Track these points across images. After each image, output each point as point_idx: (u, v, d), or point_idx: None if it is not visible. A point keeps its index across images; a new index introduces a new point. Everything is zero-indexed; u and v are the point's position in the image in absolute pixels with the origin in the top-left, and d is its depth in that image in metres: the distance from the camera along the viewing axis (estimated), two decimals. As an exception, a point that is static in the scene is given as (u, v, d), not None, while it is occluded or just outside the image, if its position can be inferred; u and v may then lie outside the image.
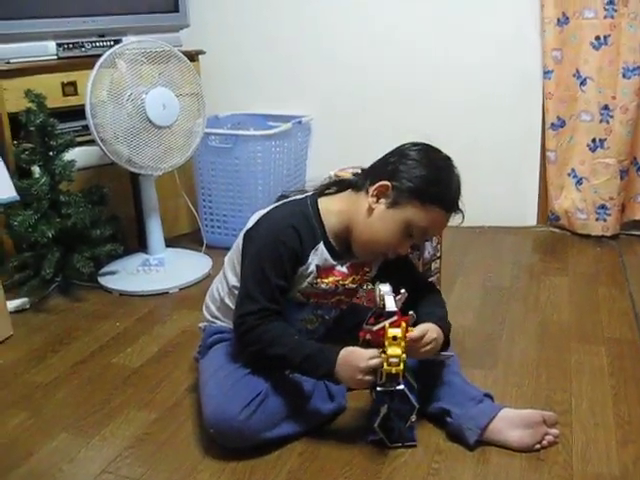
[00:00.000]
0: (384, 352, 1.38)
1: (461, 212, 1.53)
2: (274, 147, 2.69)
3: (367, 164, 2.05)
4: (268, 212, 1.54)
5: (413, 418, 1.44)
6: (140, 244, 2.63)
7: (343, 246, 1.55)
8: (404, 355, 1.38)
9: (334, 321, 1.67)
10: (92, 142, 2.26)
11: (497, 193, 2.87)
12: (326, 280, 1.54)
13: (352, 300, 1.68)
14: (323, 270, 1.53)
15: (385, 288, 1.46)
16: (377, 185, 1.48)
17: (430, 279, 1.98)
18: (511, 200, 2.88)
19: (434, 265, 1.99)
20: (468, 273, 2.45)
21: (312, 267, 1.51)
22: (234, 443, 1.44)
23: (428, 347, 1.44)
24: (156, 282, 2.38)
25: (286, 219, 1.50)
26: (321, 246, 1.51)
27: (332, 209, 1.54)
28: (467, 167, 2.78)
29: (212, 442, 1.47)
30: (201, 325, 1.72)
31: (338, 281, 1.56)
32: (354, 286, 1.60)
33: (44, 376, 1.82)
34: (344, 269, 1.56)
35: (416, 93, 2.86)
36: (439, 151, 1.54)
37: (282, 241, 1.47)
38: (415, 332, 1.42)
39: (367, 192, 1.50)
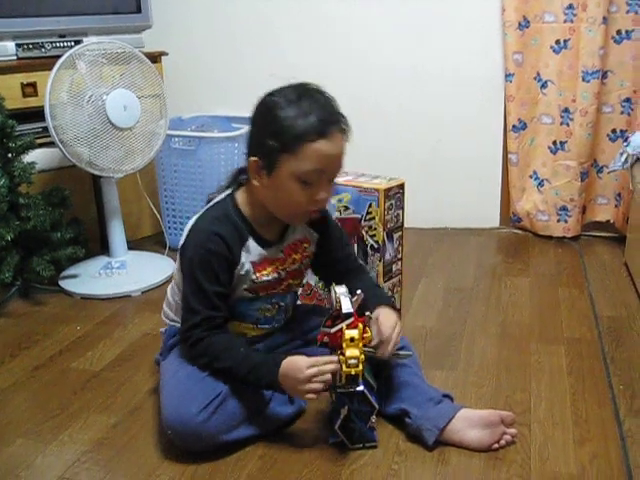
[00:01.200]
0: (342, 354, 1.38)
1: (344, 126, 1.46)
2: (237, 149, 2.68)
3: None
4: (194, 222, 1.54)
5: (373, 419, 1.45)
6: (102, 247, 2.61)
7: (275, 229, 1.57)
8: (362, 356, 1.38)
9: (291, 323, 1.67)
10: (52, 144, 2.24)
11: (460, 195, 2.89)
12: (265, 272, 1.55)
13: (302, 281, 1.68)
14: (259, 264, 1.54)
15: (341, 290, 1.46)
16: (249, 165, 1.48)
17: (391, 280, 1.99)
18: (474, 202, 2.91)
19: (395, 267, 2.00)
20: (431, 274, 2.46)
21: (247, 266, 1.52)
22: (192, 445, 1.44)
23: (398, 330, 1.48)
24: (118, 285, 2.36)
25: (209, 227, 1.50)
26: (250, 242, 1.52)
27: (245, 201, 1.54)
28: (431, 169, 2.84)
29: (172, 446, 1.46)
30: (162, 330, 1.71)
31: (277, 267, 1.57)
32: (297, 266, 1.61)
33: (2, 381, 1.79)
34: (281, 254, 1.58)
35: (377, 96, 2.87)
36: (283, 88, 1.47)
37: (208, 250, 1.47)
38: (388, 329, 1.45)
39: None
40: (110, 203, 2.44)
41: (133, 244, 2.63)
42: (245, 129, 2.68)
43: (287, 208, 1.49)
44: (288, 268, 1.59)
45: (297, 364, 1.40)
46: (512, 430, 1.47)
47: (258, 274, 1.54)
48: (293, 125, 1.39)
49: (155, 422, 1.58)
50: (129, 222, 2.62)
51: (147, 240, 2.83)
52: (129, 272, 2.44)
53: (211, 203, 1.57)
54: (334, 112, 1.45)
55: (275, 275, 1.57)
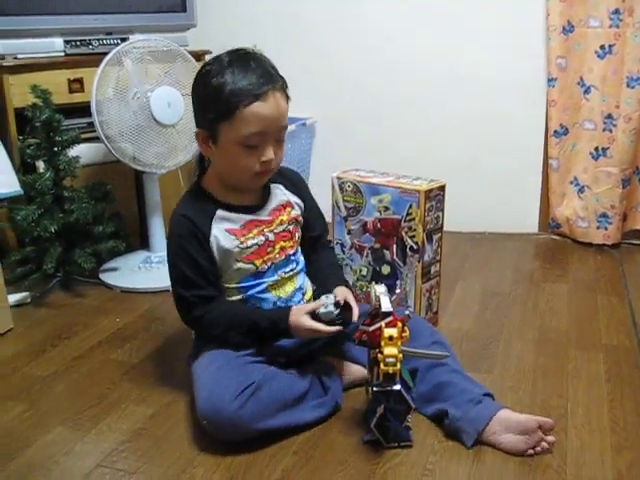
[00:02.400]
0: (381, 352, 1.38)
1: (279, 85, 1.48)
2: (278, 148, 2.69)
3: (370, 166, 2.09)
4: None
5: (409, 418, 1.45)
6: (142, 242, 2.64)
7: (253, 194, 1.62)
8: (401, 355, 1.38)
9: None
10: (97, 139, 2.27)
11: (499, 199, 2.87)
12: (251, 235, 1.59)
13: (294, 244, 1.68)
14: (242, 229, 1.58)
15: (381, 289, 1.46)
16: (196, 138, 1.55)
17: (430, 282, 1.99)
18: (513, 206, 2.88)
19: (434, 268, 1.99)
20: (468, 278, 2.45)
21: (222, 235, 1.55)
22: (227, 434, 1.44)
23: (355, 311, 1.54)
24: (157, 279, 2.38)
25: (176, 213, 1.58)
26: (219, 213, 1.56)
27: (210, 177, 1.62)
28: (470, 173, 2.83)
29: (208, 438, 1.47)
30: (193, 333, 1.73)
31: (263, 230, 1.60)
32: (285, 227, 1.64)
33: (43, 369, 1.82)
34: (266, 217, 1.62)
35: (419, 99, 2.87)
36: (218, 56, 1.51)
37: (179, 235, 1.55)
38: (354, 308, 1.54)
39: None
40: (151, 199, 2.47)
41: (172, 240, 2.64)
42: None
43: (238, 174, 1.54)
44: (275, 230, 1.62)
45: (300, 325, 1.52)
46: (550, 438, 1.44)
47: (243, 238, 1.57)
48: (226, 92, 1.44)
49: (191, 416, 1.58)
50: (169, 218, 2.63)
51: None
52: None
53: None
54: (266, 73, 1.47)
55: (261, 237, 1.60)
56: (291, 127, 2.77)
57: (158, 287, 2.33)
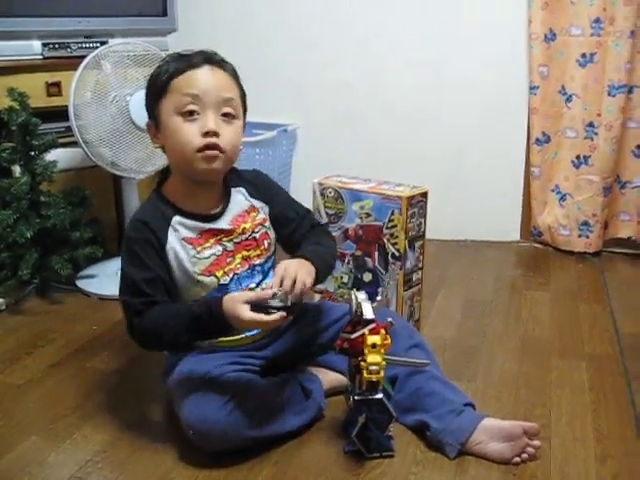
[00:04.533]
0: (364, 360, 1.36)
1: (218, 62, 1.48)
2: (258, 154, 2.68)
3: (352, 173, 2.07)
4: None
5: (391, 427, 1.43)
6: (120, 248, 2.59)
7: (211, 201, 1.55)
8: (384, 363, 1.36)
9: (293, 327, 1.62)
10: (75, 143, 2.24)
11: (480, 207, 2.87)
12: (207, 244, 1.52)
13: (263, 253, 1.59)
14: (198, 238, 1.51)
15: (362, 296, 1.44)
16: (147, 132, 1.54)
17: (411, 290, 1.97)
18: (494, 214, 2.88)
19: (415, 276, 1.97)
20: (450, 286, 2.43)
21: (178, 244, 1.49)
22: (215, 443, 1.41)
23: (298, 285, 1.38)
24: (135, 287, 2.34)
25: (133, 218, 1.52)
26: (177, 219, 1.50)
27: (168, 184, 1.56)
28: (451, 180, 2.82)
29: (186, 450, 1.45)
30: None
31: (222, 240, 1.53)
32: (248, 235, 1.57)
33: (17, 378, 1.78)
34: (225, 226, 1.54)
35: (401, 106, 2.85)
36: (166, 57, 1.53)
37: (131, 238, 1.48)
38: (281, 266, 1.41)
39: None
40: (130, 204, 2.43)
41: (151, 246, 2.61)
42: (266, 134, 2.72)
43: (182, 153, 1.45)
44: (235, 239, 1.54)
45: (238, 316, 1.35)
46: (536, 442, 1.43)
47: (199, 247, 1.50)
48: (164, 71, 1.46)
49: (169, 425, 1.56)
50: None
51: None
52: (147, 274, 2.42)
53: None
54: (205, 54, 1.47)
55: (219, 247, 1.52)
56: (272, 133, 2.76)
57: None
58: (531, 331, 2.07)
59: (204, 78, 1.44)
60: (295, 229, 1.64)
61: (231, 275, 1.54)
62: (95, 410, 1.64)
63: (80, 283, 2.38)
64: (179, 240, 1.49)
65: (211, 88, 1.44)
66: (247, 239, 1.57)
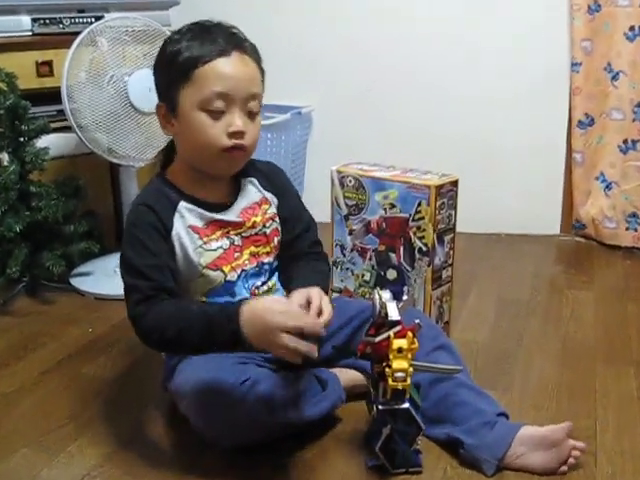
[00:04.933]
0: (388, 366, 1.36)
1: (246, 48, 1.47)
2: (270, 140, 2.68)
3: (374, 159, 2.07)
4: None
5: (419, 440, 1.42)
6: (118, 243, 2.61)
7: (221, 190, 1.56)
8: (411, 369, 1.35)
9: None
10: (68, 129, 2.26)
11: (517, 198, 2.86)
12: (214, 236, 1.52)
13: (272, 251, 1.60)
14: (205, 228, 1.52)
15: (386, 295, 1.43)
16: (157, 115, 1.52)
17: (440, 289, 1.96)
18: (532, 206, 2.87)
19: (445, 273, 1.97)
20: (483, 284, 2.43)
21: (184, 231, 1.49)
22: (228, 432, 1.42)
23: (325, 316, 1.34)
24: (135, 286, 2.35)
25: (136, 202, 1.53)
26: (183, 205, 1.50)
27: (174, 168, 1.57)
28: (484, 168, 2.81)
29: (191, 463, 1.45)
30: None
31: (229, 232, 1.54)
32: (258, 229, 1.57)
33: (6, 385, 1.79)
34: (234, 218, 1.55)
35: (428, 85, 2.85)
36: (181, 27, 1.50)
37: (133, 224, 1.48)
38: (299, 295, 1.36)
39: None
40: (128, 194, 2.44)
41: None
42: (279, 118, 2.73)
43: (203, 150, 1.46)
44: (244, 233, 1.55)
45: (273, 304, 1.33)
46: (580, 444, 1.43)
47: (206, 238, 1.51)
48: (185, 51, 1.43)
49: (171, 437, 1.56)
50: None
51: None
52: (147, 272, 2.43)
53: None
54: (230, 35, 1.46)
55: (226, 241, 1.53)
56: (285, 116, 2.76)
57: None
58: (573, 334, 2.06)
59: (234, 71, 1.43)
60: (296, 239, 1.64)
61: (239, 271, 1.55)
62: (91, 421, 1.64)
63: (74, 281, 2.40)
64: (185, 227, 1.50)
65: (240, 82, 1.44)
66: (257, 234, 1.58)
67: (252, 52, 1.48)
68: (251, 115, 1.47)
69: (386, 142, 2.86)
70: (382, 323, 1.39)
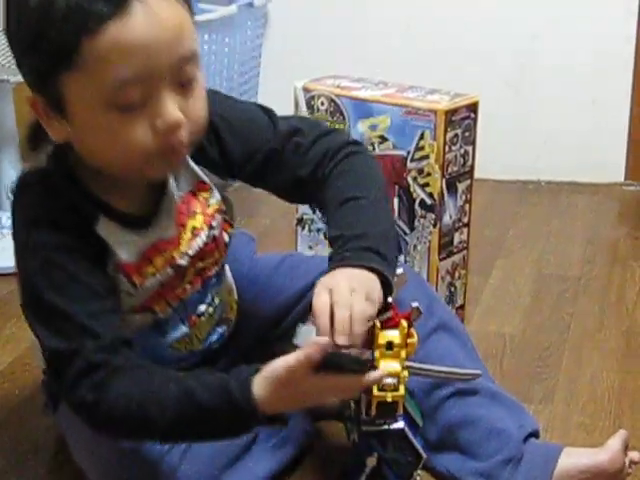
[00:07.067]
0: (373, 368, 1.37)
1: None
2: (207, 44, 2.67)
3: (355, 72, 2.08)
4: (16, 218, 1.41)
5: (419, 474, 1.43)
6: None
7: (141, 193, 1.42)
8: (405, 373, 1.36)
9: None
10: None
11: (561, 131, 2.89)
12: (151, 270, 1.42)
13: (222, 255, 1.55)
14: (136, 264, 1.41)
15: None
16: (32, 110, 1.32)
17: (451, 258, 1.98)
18: (583, 143, 2.91)
19: (458, 237, 1.98)
20: (513, 253, 2.47)
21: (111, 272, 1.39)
22: None
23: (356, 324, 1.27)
24: (10, 255, 2.34)
25: (28, 220, 1.37)
26: (103, 223, 1.36)
27: (75, 158, 1.37)
28: (516, 89, 2.82)
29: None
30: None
31: (172, 257, 1.44)
32: (205, 236, 1.48)
33: None
34: (171, 231, 1.44)
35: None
36: None
37: (43, 246, 1.33)
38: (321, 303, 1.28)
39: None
40: (4, 124, 2.46)
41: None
42: (221, 11, 2.72)
43: (119, 161, 1.31)
44: (190, 250, 1.46)
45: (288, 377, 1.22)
46: (635, 454, 1.46)
47: (138, 280, 1.41)
48: (57, 16, 1.18)
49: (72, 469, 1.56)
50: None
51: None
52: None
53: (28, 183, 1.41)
54: None
55: (168, 270, 1.44)
56: (230, 9, 2.74)
57: (11, 267, 2.30)
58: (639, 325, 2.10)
59: (144, 35, 1.19)
60: (283, 166, 1.52)
61: (175, 304, 1.49)
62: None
63: None
64: (112, 264, 1.38)
65: (160, 50, 1.21)
66: (205, 244, 1.49)
67: None
68: (187, 85, 1.28)
69: (373, 48, 2.86)
70: (367, 307, 1.40)
